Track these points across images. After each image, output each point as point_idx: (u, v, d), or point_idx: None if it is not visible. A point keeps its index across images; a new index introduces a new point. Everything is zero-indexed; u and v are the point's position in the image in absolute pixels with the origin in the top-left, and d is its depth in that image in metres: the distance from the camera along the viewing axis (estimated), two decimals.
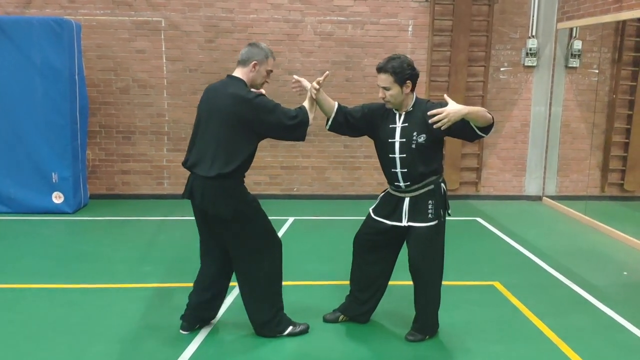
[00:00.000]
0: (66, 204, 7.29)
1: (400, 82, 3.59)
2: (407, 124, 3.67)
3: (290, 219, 7.19)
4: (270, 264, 3.81)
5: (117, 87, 8.05)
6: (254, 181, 8.31)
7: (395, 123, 3.71)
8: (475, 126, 3.56)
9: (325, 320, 4.17)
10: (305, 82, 3.81)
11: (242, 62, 3.68)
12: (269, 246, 3.82)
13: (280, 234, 6.47)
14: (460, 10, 8.12)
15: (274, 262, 3.85)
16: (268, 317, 3.86)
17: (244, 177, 3.73)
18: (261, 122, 3.57)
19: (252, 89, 3.71)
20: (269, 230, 3.84)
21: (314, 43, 8.15)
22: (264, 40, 8.04)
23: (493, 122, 3.61)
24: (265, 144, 8.14)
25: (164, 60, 8.01)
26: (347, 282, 4.18)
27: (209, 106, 3.66)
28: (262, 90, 3.86)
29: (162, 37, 7.98)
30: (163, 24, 7.95)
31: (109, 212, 7.45)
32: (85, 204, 7.76)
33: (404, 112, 3.71)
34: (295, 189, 8.47)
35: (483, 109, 3.59)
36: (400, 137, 3.67)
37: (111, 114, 8.11)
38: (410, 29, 8.20)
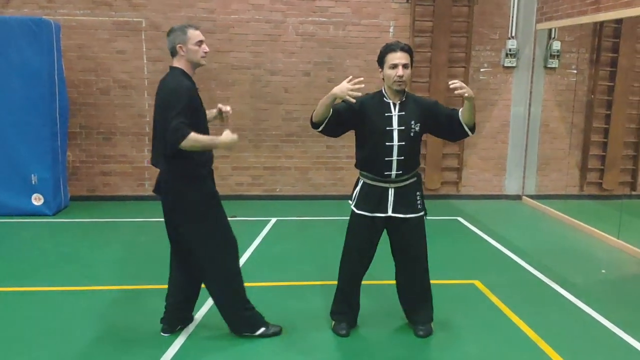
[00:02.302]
0: (46, 206, 7.23)
1: (412, 64, 3.76)
2: (403, 113, 3.74)
3: (273, 220, 7.20)
4: (224, 263, 3.78)
5: (97, 88, 7.99)
6: (236, 182, 8.30)
7: (390, 112, 3.75)
8: (465, 124, 3.76)
9: (343, 335, 3.98)
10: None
11: (172, 54, 3.63)
12: (222, 245, 3.76)
13: (262, 234, 6.52)
14: (440, 12, 8.18)
15: (229, 260, 3.81)
16: (230, 314, 3.87)
17: (201, 167, 3.64)
18: (163, 110, 3.46)
19: (216, 111, 3.82)
20: (222, 228, 3.77)
21: (295, 44, 8.16)
22: (246, 40, 8.05)
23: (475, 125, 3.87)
24: (247, 145, 8.21)
25: (145, 61, 7.96)
26: (330, 282, 4.18)
27: (155, 101, 3.65)
28: (227, 110, 3.96)
29: (143, 37, 7.93)
30: (144, 25, 7.91)
31: (89, 214, 7.40)
32: (66, 206, 7.69)
33: (398, 102, 3.76)
34: (278, 190, 8.48)
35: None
36: (399, 125, 3.72)
37: (91, 115, 8.04)
38: (391, 30, 8.24)
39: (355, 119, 3.80)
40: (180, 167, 3.55)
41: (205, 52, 3.65)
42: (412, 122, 3.73)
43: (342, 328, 4.02)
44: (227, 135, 3.53)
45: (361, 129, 3.84)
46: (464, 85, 3.53)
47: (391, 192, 3.78)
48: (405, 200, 3.80)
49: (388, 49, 3.71)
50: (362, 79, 3.56)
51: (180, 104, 3.42)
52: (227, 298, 3.86)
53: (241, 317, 3.90)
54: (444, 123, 3.82)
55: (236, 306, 3.88)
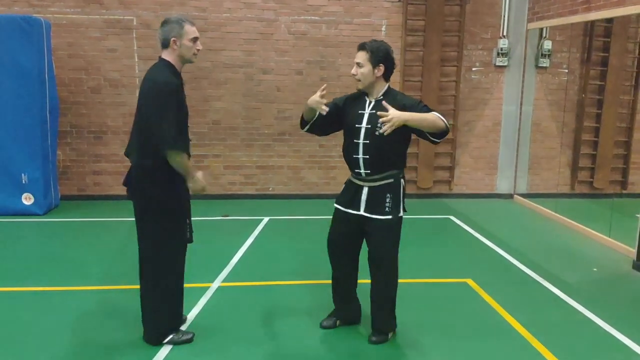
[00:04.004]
0: (36, 206, 7.17)
1: (374, 63, 3.64)
2: (374, 111, 3.68)
3: (266, 219, 7.18)
4: (167, 262, 3.68)
5: (88, 87, 7.94)
6: (229, 181, 8.28)
7: (364, 109, 3.74)
8: (428, 132, 3.60)
9: (323, 327, 4.06)
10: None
11: (163, 45, 3.53)
12: (170, 246, 3.68)
13: (255, 233, 6.50)
14: (432, 11, 8.19)
15: (175, 262, 3.72)
16: (150, 319, 3.75)
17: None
18: (147, 107, 3.44)
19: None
20: (177, 230, 3.67)
21: (288, 42, 8.14)
22: (238, 39, 8.02)
23: (447, 130, 3.62)
24: (240, 144, 8.19)
25: (136, 59, 7.92)
26: (322, 281, 4.18)
27: (139, 92, 3.60)
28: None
29: (134, 35, 7.88)
30: (135, 23, 7.86)
31: (80, 214, 7.35)
32: (56, 206, 7.63)
33: (374, 100, 3.74)
34: (270, 189, 8.46)
35: (435, 115, 3.56)
36: (367, 123, 3.69)
37: (82, 113, 7.99)
38: (383, 28, 8.24)
39: (339, 117, 3.85)
40: (151, 163, 3.47)
41: (198, 50, 3.59)
42: (380, 121, 3.61)
43: (325, 320, 4.11)
44: (201, 182, 3.56)
45: (343, 126, 3.88)
46: (385, 119, 3.39)
47: (365, 191, 3.77)
48: (374, 201, 3.73)
49: (357, 46, 3.78)
50: (325, 85, 3.73)
51: (171, 104, 3.39)
52: (154, 304, 3.73)
53: (154, 328, 3.77)
54: (414, 130, 3.63)
55: (155, 313, 3.74)
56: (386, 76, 3.73)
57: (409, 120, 3.46)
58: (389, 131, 3.41)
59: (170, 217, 3.60)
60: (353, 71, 3.72)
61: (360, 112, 3.74)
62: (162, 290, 3.70)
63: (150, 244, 3.66)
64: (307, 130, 3.94)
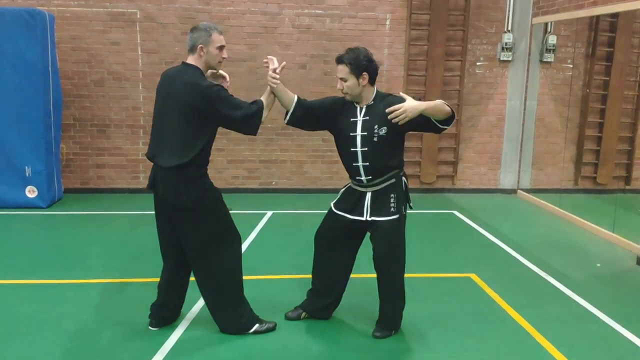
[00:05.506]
0: (40, 198, 7.18)
1: (357, 74, 3.60)
2: (368, 117, 3.67)
3: (269, 213, 7.18)
4: (229, 259, 3.75)
5: (91, 80, 7.93)
6: (232, 175, 8.27)
7: (356, 116, 3.70)
8: (435, 120, 3.56)
9: (287, 318, 4.12)
10: (275, 64, 3.74)
11: (190, 50, 3.60)
12: (228, 240, 3.76)
13: (258, 227, 6.51)
14: (437, 5, 8.16)
15: (233, 256, 3.79)
16: (229, 314, 3.81)
17: (206, 166, 3.69)
18: (214, 112, 3.50)
19: (212, 72, 3.69)
20: (229, 224, 3.78)
21: (291, 36, 8.12)
22: (241, 32, 8.00)
23: (453, 114, 3.60)
24: (243, 138, 8.18)
25: (140, 53, 7.91)
26: None
27: (164, 94, 3.61)
28: (227, 76, 3.84)
29: (138, 28, 7.87)
30: (138, 16, 7.85)
31: (83, 207, 7.36)
32: (60, 198, 7.65)
33: (364, 106, 3.71)
34: (274, 183, 8.46)
35: (441, 101, 3.55)
36: (362, 131, 3.66)
37: (86, 107, 7.99)
38: (387, 22, 8.22)
39: (326, 119, 3.83)
40: (192, 162, 3.53)
41: (224, 58, 3.65)
42: (376, 127, 3.62)
43: (290, 312, 4.15)
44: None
45: (334, 133, 3.87)
46: (401, 108, 3.38)
47: (368, 196, 3.75)
48: (378, 204, 3.72)
49: (335, 60, 3.72)
50: (284, 63, 3.78)
51: (223, 92, 3.54)
52: (223, 300, 3.80)
53: (234, 320, 3.84)
54: (419, 122, 3.55)
55: (231, 308, 3.81)
56: (372, 82, 3.69)
57: (425, 110, 3.44)
58: (405, 121, 3.39)
59: (224, 209, 3.73)
60: (339, 86, 3.67)
61: (352, 119, 3.71)
62: (237, 283, 3.81)
63: (214, 242, 3.69)
64: (288, 122, 3.86)
